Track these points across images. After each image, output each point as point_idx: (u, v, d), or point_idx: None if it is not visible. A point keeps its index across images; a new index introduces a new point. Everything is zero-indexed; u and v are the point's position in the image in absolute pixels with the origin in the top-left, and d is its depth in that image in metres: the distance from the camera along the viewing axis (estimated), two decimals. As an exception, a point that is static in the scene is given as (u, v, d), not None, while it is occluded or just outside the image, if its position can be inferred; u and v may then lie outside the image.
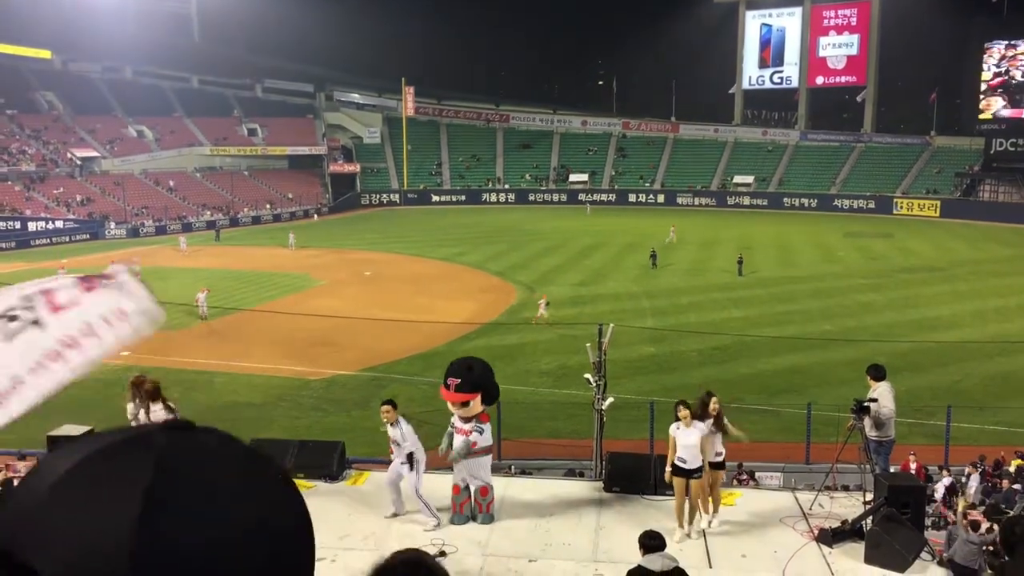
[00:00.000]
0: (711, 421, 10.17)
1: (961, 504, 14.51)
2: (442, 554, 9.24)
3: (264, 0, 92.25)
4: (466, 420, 10.33)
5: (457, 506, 10.30)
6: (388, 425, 10.43)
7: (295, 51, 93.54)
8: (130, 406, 10.67)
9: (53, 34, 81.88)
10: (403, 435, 10.32)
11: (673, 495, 10.16)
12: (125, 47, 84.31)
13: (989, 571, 11.21)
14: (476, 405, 10.37)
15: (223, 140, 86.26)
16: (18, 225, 62.15)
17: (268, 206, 78.29)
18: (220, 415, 23.73)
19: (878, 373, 11.64)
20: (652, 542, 7.11)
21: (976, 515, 13.12)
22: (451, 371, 10.40)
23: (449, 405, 10.36)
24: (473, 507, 10.32)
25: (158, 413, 10.50)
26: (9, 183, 68.68)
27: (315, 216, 77.57)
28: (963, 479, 17.36)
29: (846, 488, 12.67)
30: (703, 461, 9.96)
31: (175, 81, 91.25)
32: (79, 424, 11.87)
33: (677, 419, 10.02)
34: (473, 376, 10.35)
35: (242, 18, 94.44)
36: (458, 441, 10.31)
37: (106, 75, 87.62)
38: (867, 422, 11.07)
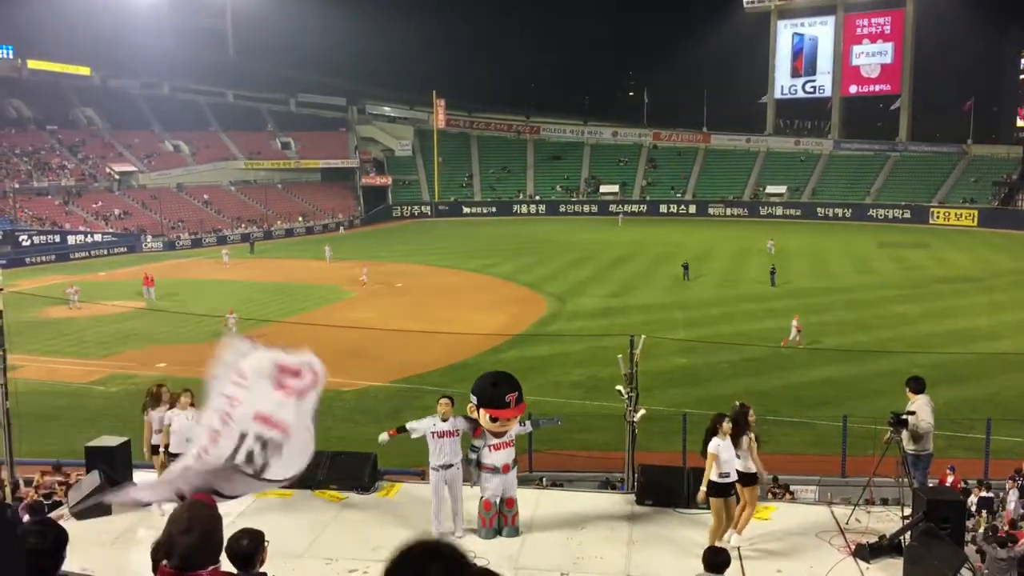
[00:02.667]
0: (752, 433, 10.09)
1: (982, 523, 14.22)
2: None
3: (297, 16, 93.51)
4: (499, 435, 10.21)
5: (487, 520, 10.21)
6: (440, 419, 10.26)
7: (327, 65, 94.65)
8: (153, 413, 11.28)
9: (92, 51, 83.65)
10: (462, 428, 10.26)
11: (707, 509, 10.02)
12: (162, 63, 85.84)
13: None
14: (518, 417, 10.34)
15: (257, 154, 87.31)
16: (58, 239, 63.29)
17: (301, 219, 79.03)
18: (254, 426, 23.94)
19: (918, 385, 11.42)
20: (716, 559, 6.94)
21: (1011, 532, 12.85)
22: (504, 388, 10.04)
23: (493, 425, 10.10)
24: (500, 520, 10.24)
25: (180, 417, 10.84)
26: (49, 197, 70.07)
27: (341, 229, 78.08)
28: (1001, 494, 16.99)
29: (884, 502, 12.48)
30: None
31: (210, 96, 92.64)
32: (116, 436, 12.02)
33: (715, 433, 9.85)
34: (519, 384, 10.29)
35: (276, 33, 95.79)
36: (501, 458, 10.11)
37: (144, 91, 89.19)
38: (904, 435, 10.89)
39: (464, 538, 9.94)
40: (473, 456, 10.24)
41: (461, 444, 10.40)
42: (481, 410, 10.03)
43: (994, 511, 15.91)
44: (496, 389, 10.05)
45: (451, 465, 10.16)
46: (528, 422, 10.65)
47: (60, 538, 3.67)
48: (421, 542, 2.31)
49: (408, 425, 10.41)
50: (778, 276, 44.74)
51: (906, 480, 10.69)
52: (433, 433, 10.15)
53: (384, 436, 10.73)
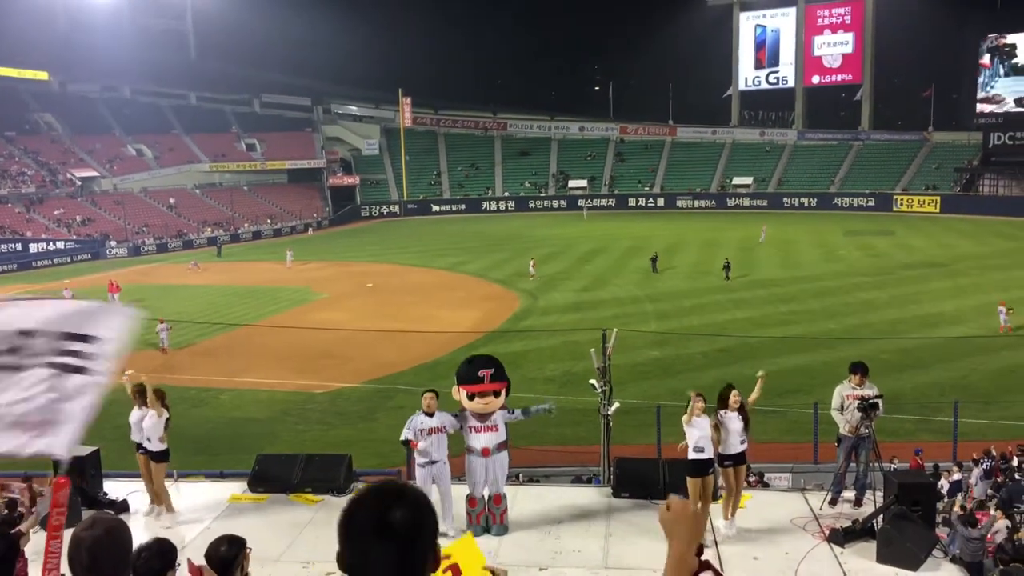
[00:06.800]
0: (732, 414, 10.14)
1: (957, 502, 14.45)
2: (452, 563, 9.18)
3: (259, 15, 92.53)
4: (484, 418, 10.18)
5: (473, 517, 10.18)
6: (425, 414, 10.15)
7: (291, 65, 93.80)
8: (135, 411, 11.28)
9: (50, 55, 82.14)
10: (448, 424, 10.17)
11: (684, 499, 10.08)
12: (122, 66, 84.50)
13: (999, 567, 11.15)
14: (501, 398, 10.23)
15: (222, 156, 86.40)
16: (19, 247, 62.18)
17: (268, 221, 78.37)
18: (226, 431, 23.72)
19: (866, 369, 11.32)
20: None
21: (973, 511, 13.07)
22: (478, 364, 10.17)
23: (473, 403, 10.13)
24: (487, 517, 10.20)
25: (151, 419, 10.82)
26: (9, 205, 68.82)
27: (310, 231, 77.52)
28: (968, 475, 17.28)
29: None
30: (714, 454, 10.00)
31: (173, 99, 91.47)
32: (84, 445, 11.84)
33: (725, 403, 9.97)
34: (500, 365, 10.24)
35: (238, 34, 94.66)
36: (482, 441, 10.15)
37: (104, 95, 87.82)
38: (857, 417, 10.92)
39: (456, 538, 9.90)
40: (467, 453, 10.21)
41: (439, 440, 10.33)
42: (461, 389, 10.10)
43: (964, 492, 16.19)
44: (471, 366, 10.20)
45: (438, 461, 10.13)
46: (518, 411, 10.57)
47: (11, 546, 3.66)
48: (386, 483, 2.25)
49: (403, 438, 10.33)
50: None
51: (877, 464, 10.82)
52: (420, 431, 10.09)
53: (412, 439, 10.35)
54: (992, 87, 78.53)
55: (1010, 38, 78.08)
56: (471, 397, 10.05)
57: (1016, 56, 77.59)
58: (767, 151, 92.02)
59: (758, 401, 10.69)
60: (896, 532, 9.11)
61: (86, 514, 10.54)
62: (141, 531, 9.23)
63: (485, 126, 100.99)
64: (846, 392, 10.98)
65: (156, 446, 10.89)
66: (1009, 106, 77.48)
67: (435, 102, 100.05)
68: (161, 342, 31.88)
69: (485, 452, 10.09)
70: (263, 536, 9.64)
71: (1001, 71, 78.20)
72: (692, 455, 9.86)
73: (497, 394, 10.10)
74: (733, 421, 10.10)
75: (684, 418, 9.99)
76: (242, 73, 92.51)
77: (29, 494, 14.08)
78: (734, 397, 10.18)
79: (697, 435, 9.86)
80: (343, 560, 2.17)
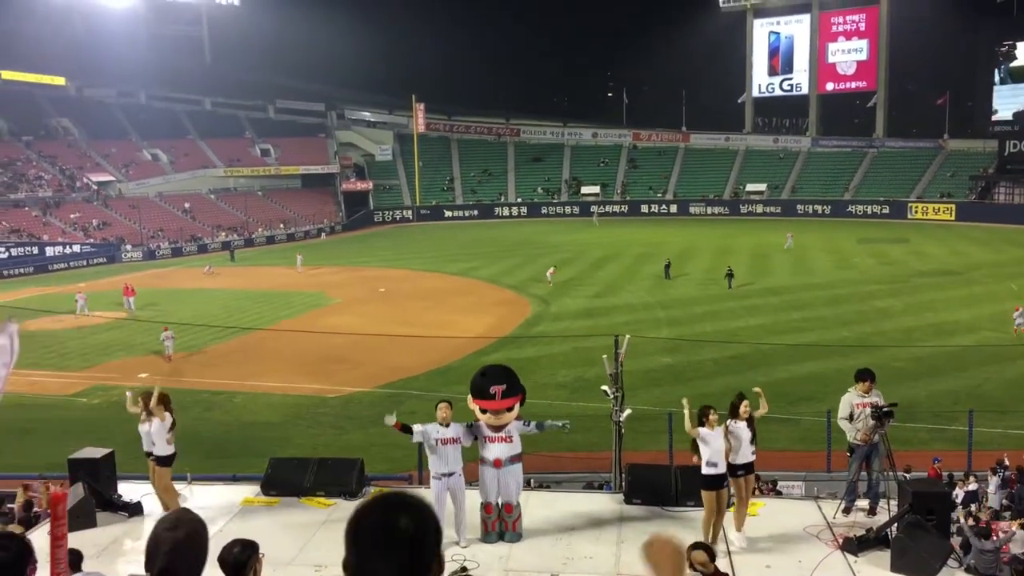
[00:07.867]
0: (742, 424, 10.10)
1: (985, 514, 14.32)
2: (463, 570, 9.19)
3: (274, 21, 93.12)
4: (498, 428, 10.16)
5: (488, 525, 10.17)
6: (441, 425, 10.08)
7: (306, 71, 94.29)
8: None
9: (67, 61, 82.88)
10: (463, 436, 10.11)
11: (694, 506, 10.05)
12: (138, 72, 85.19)
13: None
14: (514, 412, 10.16)
15: (236, 161, 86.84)
16: (36, 250, 62.66)
17: (282, 226, 78.69)
18: (238, 434, 23.82)
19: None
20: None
21: (990, 523, 12.97)
22: (491, 379, 10.07)
23: (485, 417, 10.08)
24: (501, 524, 10.19)
25: (155, 424, 10.92)
26: (26, 209, 69.40)
27: (323, 236, 77.79)
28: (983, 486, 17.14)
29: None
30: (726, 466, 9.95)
31: (188, 104, 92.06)
32: (99, 447, 11.92)
33: (701, 423, 9.93)
34: (513, 379, 10.19)
35: (253, 40, 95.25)
36: (494, 452, 10.12)
37: (120, 100, 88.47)
38: (864, 426, 10.81)
39: (468, 547, 9.89)
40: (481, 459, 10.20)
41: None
42: (474, 403, 10.08)
43: (979, 502, 16.06)
44: (483, 380, 10.10)
45: (453, 473, 10.05)
46: (533, 424, 10.51)
47: (24, 549, 3.65)
48: (388, 494, 2.35)
49: (414, 427, 10.21)
50: (741, 278, 44.87)
51: (891, 473, 10.75)
52: (437, 440, 10.01)
53: (391, 419, 10.23)
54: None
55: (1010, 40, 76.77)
56: (482, 411, 10.04)
57: (1016, 58, 76.17)
58: (781, 158, 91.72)
59: (766, 411, 10.64)
60: (910, 541, 9.06)
61: (100, 516, 10.65)
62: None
63: (498, 132, 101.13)
64: (855, 401, 10.85)
65: (159, 449, 10.93)
66: (1006, 117, 76.24)
67: (448, 108, 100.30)
68: (166, 349, 31.90)
69: (497, 463, 10.05)
70: (275, 539, 9.69)
71: (996, 78, 76.93)
72: (706, 470, 9.81)
73: (510, 409, 10.07)
74: (743, 430, 10.08)
75: (693, 430, 9.96)
76: (256, 79, 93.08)
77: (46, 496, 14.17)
78: (744, 407, 10.16)
79: (711, 450, 9.83)
80: (349, 567, 2.25)
